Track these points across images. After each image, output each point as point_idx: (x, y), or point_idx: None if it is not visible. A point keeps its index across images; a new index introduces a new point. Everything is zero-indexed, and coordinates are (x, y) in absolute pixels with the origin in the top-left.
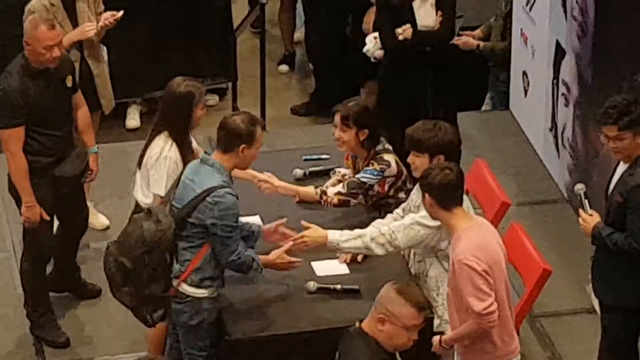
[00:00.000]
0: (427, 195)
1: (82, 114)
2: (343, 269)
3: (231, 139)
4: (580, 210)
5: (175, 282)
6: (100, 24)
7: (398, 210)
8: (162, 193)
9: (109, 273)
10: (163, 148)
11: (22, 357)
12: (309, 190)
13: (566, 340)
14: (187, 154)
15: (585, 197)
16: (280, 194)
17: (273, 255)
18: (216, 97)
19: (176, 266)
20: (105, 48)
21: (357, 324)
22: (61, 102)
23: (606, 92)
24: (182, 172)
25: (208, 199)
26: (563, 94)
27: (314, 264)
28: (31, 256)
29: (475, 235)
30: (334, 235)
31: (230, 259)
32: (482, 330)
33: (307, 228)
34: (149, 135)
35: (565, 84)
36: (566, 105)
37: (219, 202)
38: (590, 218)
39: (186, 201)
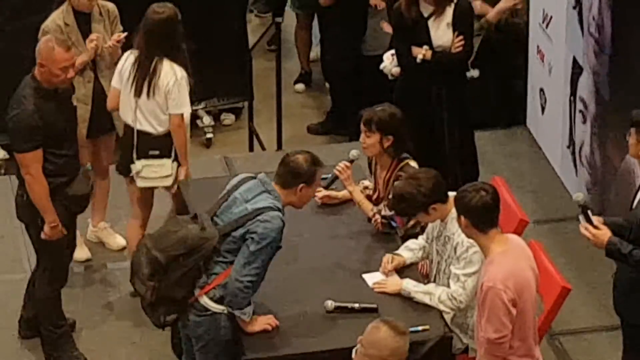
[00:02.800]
0: (462, 217)
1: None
2: (393, 277)
3: (292, 177)
4: (584, 224)
5: (197, 292)
6: (107, 44)
7: (423, 237)
8: (190, 110)
9: (136, 261)
10: (174, 72)
11: None
12: (368, 205)
13: (585, 358)
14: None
15: (588, 208)
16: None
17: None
18: (232, 117)
19: (203, 277)
20: None
21: None
22: (70, 122)
23: (624, 109)
24: (233, 187)
25: (259, 217)
26: (580, 111)
27: (365, 276)
28: (51, 278)
29: (508, 261)
30: (409, 284)
31: (242, 278)
32: (491, 352)
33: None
34: (139, 65)
35: (582, 100)
36: (583, 122)
37: (267, 221)
38: (600, 232)
39: (235, 217)
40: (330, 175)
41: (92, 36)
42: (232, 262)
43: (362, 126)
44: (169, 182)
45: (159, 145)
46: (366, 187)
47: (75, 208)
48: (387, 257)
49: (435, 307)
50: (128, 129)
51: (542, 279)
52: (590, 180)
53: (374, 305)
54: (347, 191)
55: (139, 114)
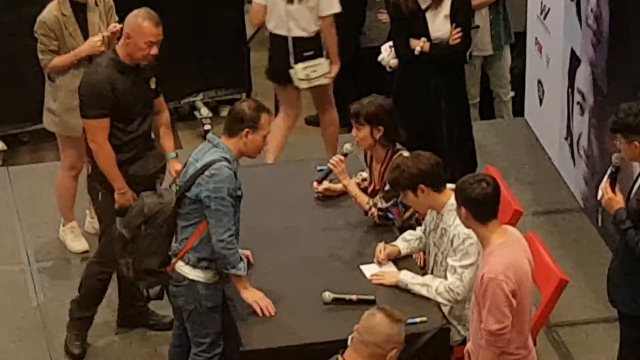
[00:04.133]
0: (463, 207)
1: (164, 118)
2: (391, 268)
3: (235, 123)
4: (608, 184)
5: (173, 261)
6: (105, 33)
7: (421, 228)
8: (339, 8)
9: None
10: None
11: None
12: (364, 198)
13: (583, 350)
14: None
15: (619, 172)
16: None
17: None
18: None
19: (175, 244)
20: None
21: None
22: (143, 102)
23: (621, 100)
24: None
25: (206, 172)
26: (578, 103)
27: (363, 267)
28: (102, 259)
29: (508, 253)
30: (406, 276)
31: (221, 237)
32: (491, 344)
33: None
34: None
35: (580, 92)
36: (581, 113)
37: (214, 174)
38: (615, 199)
39: (187, 177)
40: (324, 168)
41: (96, 37)
42: (197, 223)
43: (352, 120)
44: (328, 79)
45: (313, 46)
46: (364, 180)
47: (136, 187)
48: (380, 246)
49: (432, 299)
50: (279, 38)
51: (540, 271)
52: (588, 172)
53: (372, 297)
54: (342, 185)
55: (292, 22)
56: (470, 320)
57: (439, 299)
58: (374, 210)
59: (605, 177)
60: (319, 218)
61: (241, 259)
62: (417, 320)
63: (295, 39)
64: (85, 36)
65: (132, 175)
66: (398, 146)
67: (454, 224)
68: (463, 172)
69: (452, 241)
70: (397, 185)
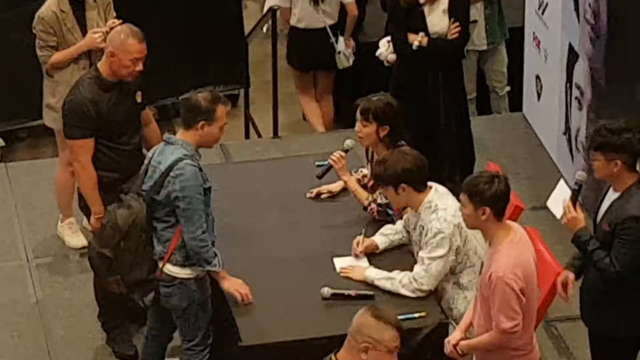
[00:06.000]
0: (485, 207)
1: (152, 130)
2: (363, 263)
3: (191, 115)
4: (570, 203)
5: (160, 264)
6: (105, 29)
7: (401, 222)
8: None
9: (93, 264)
10: None
11: None
12: (363, 194)
13: (582, 345)
14: None
15: (581, 190)
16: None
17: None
18: (228, 104)
19: (158, 248)
20: None
21: (332, 357)
22: (131, 117)
23: (619, 96)
24: (149, 159)
25: (171, 173)
26: (576, 98)
27: (336, 260)
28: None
29: (516, 250)
30: (371, 273)
31: (193, 234)
32: (503, 344)
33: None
34: None
35: (578, 87)
36: (579, 108)
37: (179, 174)
38: (578, 218)
39: (153, 181)
40: (324, 164)
41: (96, 33)
42: (176, 223)
43: (358, 115)
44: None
45: (341, 28)
46: (364, 176)
47: None
48: (357, 239)
49: (395, 292)
50: (316, 32)
51: (539, 266)
52: (586, 167)
53: (371, 293)
54: (342, 181)
55: (322, 15)
56: (476, 320)
57: (403, 291)
58: (373, 206)
59: (569, 203)
60: (318, 214)
61: (215, 254)
62: (416, 315)
63: (330, 26)
64: (84, 32)
65: (126, 194)
66: (400, 142)
67: (429, 220)
68: (461, 167)
69: (425, 235)
70: (380, 179)
